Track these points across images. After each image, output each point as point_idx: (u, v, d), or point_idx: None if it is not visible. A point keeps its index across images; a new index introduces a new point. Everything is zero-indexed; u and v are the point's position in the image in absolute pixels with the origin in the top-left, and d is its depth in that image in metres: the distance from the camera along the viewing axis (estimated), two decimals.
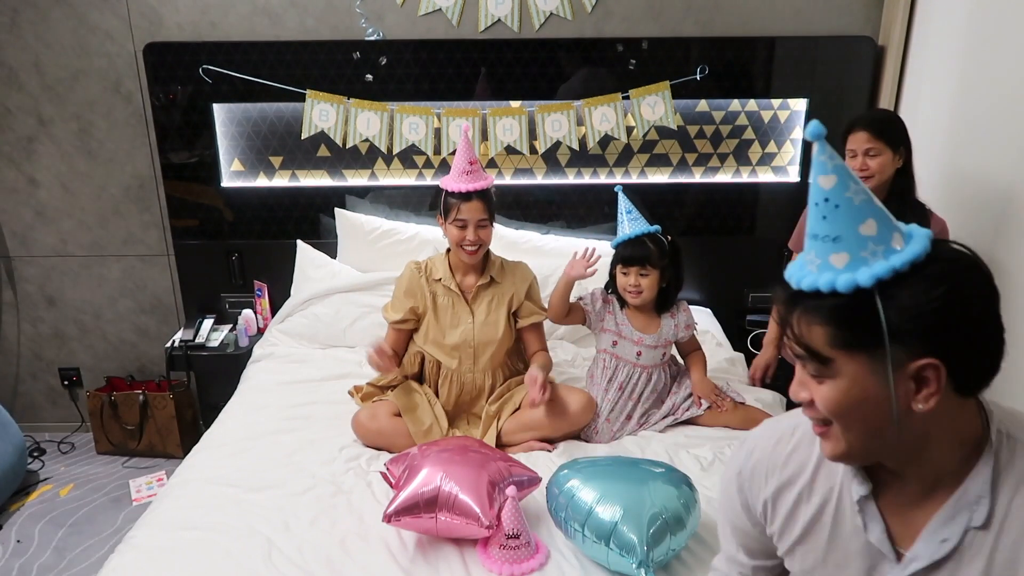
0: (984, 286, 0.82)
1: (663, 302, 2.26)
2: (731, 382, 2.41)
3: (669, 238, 2.23)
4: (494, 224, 2.21)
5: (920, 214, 2.16)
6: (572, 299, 2.26)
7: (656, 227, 2.21)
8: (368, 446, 2.14)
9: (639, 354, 2.22)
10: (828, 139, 0.83)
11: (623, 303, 2.27)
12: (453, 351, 2.21)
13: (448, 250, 2.28)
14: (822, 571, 1.00)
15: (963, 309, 0.80)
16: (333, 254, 3.00)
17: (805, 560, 1.01)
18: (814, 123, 0.81)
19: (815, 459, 1.00)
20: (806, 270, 0.84)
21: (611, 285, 2.28)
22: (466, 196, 2.10)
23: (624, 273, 2.19)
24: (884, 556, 0.93)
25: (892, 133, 2.09)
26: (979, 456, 0.87)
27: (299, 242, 2.99)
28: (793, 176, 3.00)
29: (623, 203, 2.23)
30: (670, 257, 2.20)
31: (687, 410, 2.23)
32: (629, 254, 2.16)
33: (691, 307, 3.11)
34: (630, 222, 2.20)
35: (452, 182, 2.13)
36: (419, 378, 2.32)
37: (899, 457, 0.89)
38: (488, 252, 2.27)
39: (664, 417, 2.25)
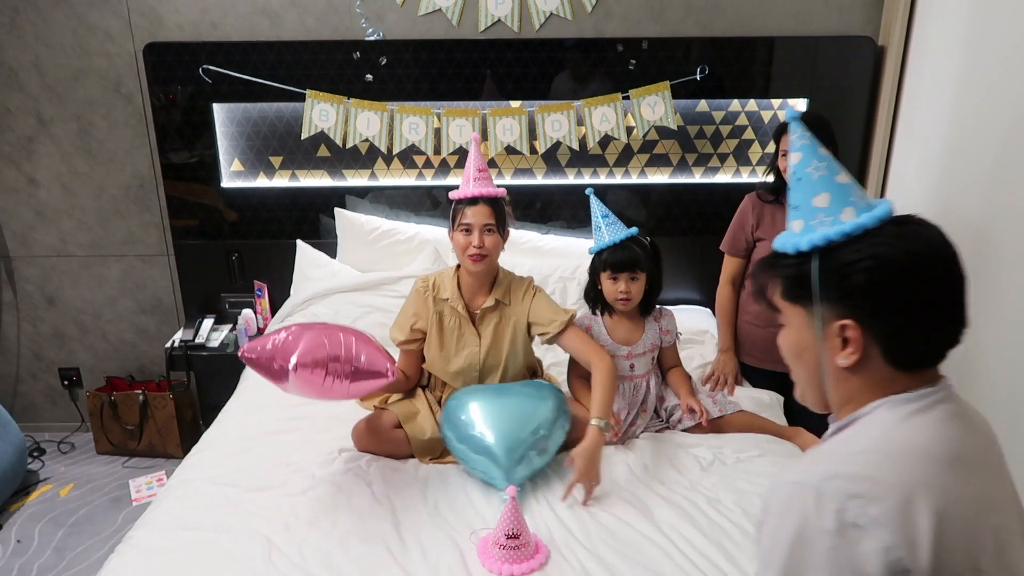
0: (929, 266, 0.85)
1: (646, 305, 2.20)
2: (724, 391, 2.40)
3: (649, 239, 2.18)
4: (505, 239, 2.08)
5: None
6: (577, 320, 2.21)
7: (635, 229, 2.15)
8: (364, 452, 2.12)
9: (632, 366, 2.18)
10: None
11: (604, 311, 2.21)
12: (457, 376, 2.13)
13: (457, 266, 2.15)
14: None
15: (891, 280, 0.85)
16: (333, 254, 3.00)
17: None
18: (791, 108, 0.97)
19: None
20: (783, 235, 0.97)
21: (591, 294, 2.22)
22: (472, 201, 2.02)
23: (613, 279, 2.12)
24: None
25: (818, 134, 2.13)
26: None
27: (299, 242, 2.99)
28: None
29: (597, 207, 2.17)
30: (653, 259, 2.15)
31: (679, 422, 2.20)
32: (618, 260, 2.09)
33: (691, 307, 3.11)
34: (608, 227, 2.14)
35: (460, 189, 2.06)
36: (425, 382, 2.27)
37: (840, 414, 0.96)
38: (499, 271, 2.15)
39: (660, 420, 2.24)
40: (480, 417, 1.93)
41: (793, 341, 0.97)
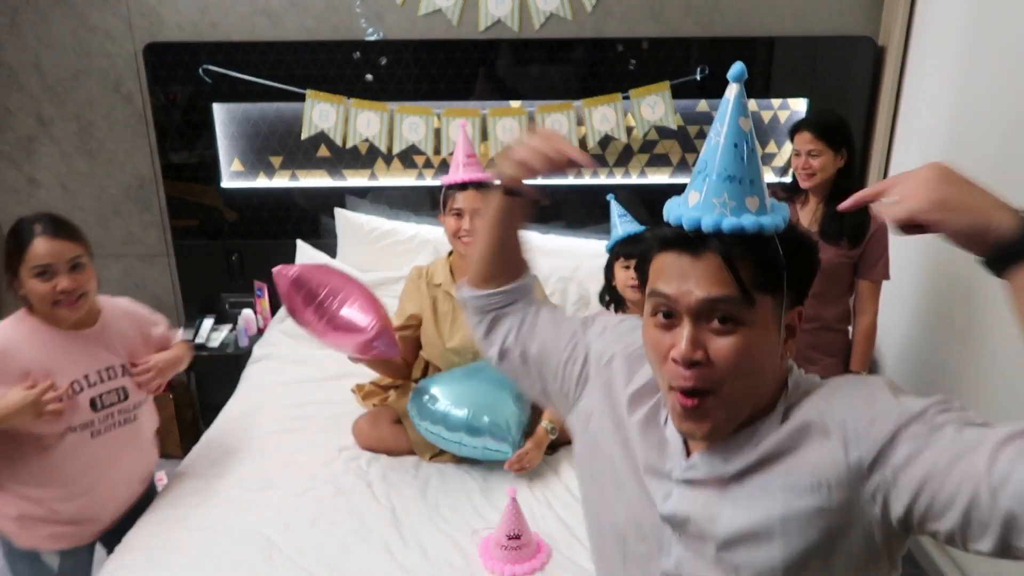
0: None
1: None
2: None
3: None
4: None
5: (861, 210, 2.19)
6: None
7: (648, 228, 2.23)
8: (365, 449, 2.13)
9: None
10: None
11: (619, 307, 2.26)
12: (454, 353, 2.18)
13: (450, 253, 2.25)
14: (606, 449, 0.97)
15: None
16: (333, 254, 3.00)
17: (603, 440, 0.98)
18: (739, 65, 0.82)
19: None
20: (712, 212, 0.80)
21: (607, 292, 2.27)
22: (462, 186, 2.10)
23: (625, 267, 2.19)
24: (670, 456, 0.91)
25: (834, 135, 2.18)
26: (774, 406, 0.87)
27: (299, 242, 2.99)
28: None
29: (616, 209, 2.27)
30: None
31: None
32: (631, 249, 2.17)
33: None
34: (623, 224, 2.23)
35: (450, 175, 2.14)
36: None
37: (737, 422, 0.87)
38: None
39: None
40: (441, 395, 1.99)
41: (756, 340, 0.81)
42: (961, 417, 0.76)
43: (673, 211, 0.84)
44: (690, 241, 0.81)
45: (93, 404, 1.65)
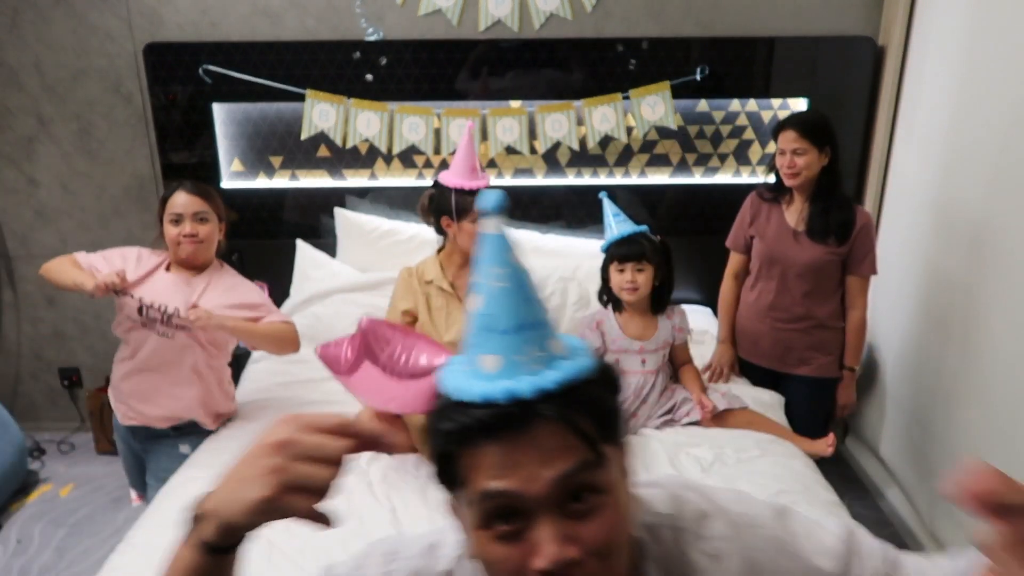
0: None
1: (658, 302, 2.26)
2: (731, 386, 2.41)
3: (659, 237, 2.26)
4: None
5: (846, 208, 2.26)
6: (577, 320, 2.25)
7: (644, 227, 2.24)
8: None
9: (644, 361, 2.23)
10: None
11: (617, 307, 2.26)
12: (452, 347, 2.19)
13: (439, 250, 2.24)
14: None
15: None
16: (333, 254, 3.00)
17: None
18: (496, 194, 0.68)
19: None
20: (523, 373, 0.65)
21: (604, 292, 2.29)
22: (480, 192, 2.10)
23: (620, 271, 2.20)
24: None
25: (818, 133, 2.19)
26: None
27: (299, 242, 2.99)
28: None
29: (609, 207, 2.27)
30: (662, 255, 2.22)
31: (687, 414, 2.23)
32: (624, 252, 2.18)
33: (692, 306, 3.12)
34: (618, 224, 2.23)
35: (465, 180, 2.09)
36: None
37: None
38: None
39: (664, 414, 2.25)
40: None
41: (623, 504, 0.68)
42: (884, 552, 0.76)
43: (467, 386, 0.66)
44: (513, 417, 0.64)
45: (140, 310, 2.03)
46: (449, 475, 0.69)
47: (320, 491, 0.63)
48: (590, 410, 0.66)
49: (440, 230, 2.19)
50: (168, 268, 2.11)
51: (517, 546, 0.65)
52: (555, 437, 0.64)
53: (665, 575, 0.74)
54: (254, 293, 2.16)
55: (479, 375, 0.67)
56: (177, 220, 2.03)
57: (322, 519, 0.63)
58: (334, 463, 0.63)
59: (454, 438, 0.66)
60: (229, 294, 2.11)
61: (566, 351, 0.69)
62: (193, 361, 2.11)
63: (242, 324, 2.05)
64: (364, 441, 0.65)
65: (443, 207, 2.11)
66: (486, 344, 0.67)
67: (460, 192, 2.08)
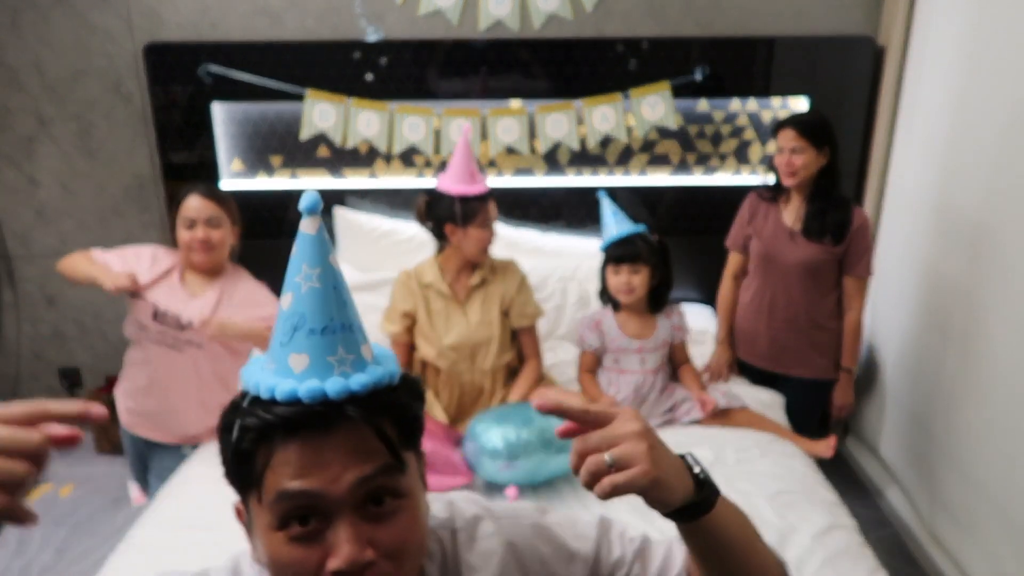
0: None
1: (656, 301, 2.26)
2: (731, 386, 2.41)
3: (657, 237, 2.26)
4: None
5: (843, 208, 2.27)
6: (577, 320, 2.27)
7: (642, 226, 2.24)
8: None
9: (643, 360, 2.24)
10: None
11: (616, 307, 2.27)
12: (450, 351, 2.18)
13: (437, 253, 2.23)
14: None
15: None
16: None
17: None
18: (311, 195, 0.68)
19: None
20: (333, 374, 0.66)
21: (602, 292, 2.30)
22: (483, 197, 2.09)
23: (616, 272, 2.20)
24: None
25: (816, 133, 2.20)
26: None
27: None
28: None
29: (607, 207, 2.27)
30: (659, 255, 2.22)
31: (687, 413, 2.23)
32: (619, 253, 2.18)
33: (692, 305, 3.13)
34: (616, 224, 2.23)
35: (467, 186, 2.09)
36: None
37: None
38: None
39: (664, 413, 2.25)
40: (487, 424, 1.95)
41: (420, 510, 0.71)
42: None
43: (271, 384, 0.66)
44: (319, 417, 0.64)
45: (155, 315, 2.02)
46: (242, 474, 0.68)
47: (13, 488, 0.56)
48: (394, 416, 0.68)
49: (439, 235, 2.18)
50: (182, 274, 2.09)
51: (312, 548, 0.64)
52: (359, 440, 0.65)
53: (443, 575, 0.78)
54: (270, 304, 2.10)
55: (285, 373, 0.66)
56: (190, 224, 2.01)
57: (26, 516, 0.57)
58: (28, 455, 0.56)
59: (253, 435, 0.65)
60: (242, 309, 2.06)
61: (374, 357, 0.70)
62: (212, 369, 2.08)
63: (257, 329, 2.02)
64: (65, 419, 0.59)
65: (443, 214, 2.11)
66: (295, 343, 0.67)
67: (463, 199, 2.08)
